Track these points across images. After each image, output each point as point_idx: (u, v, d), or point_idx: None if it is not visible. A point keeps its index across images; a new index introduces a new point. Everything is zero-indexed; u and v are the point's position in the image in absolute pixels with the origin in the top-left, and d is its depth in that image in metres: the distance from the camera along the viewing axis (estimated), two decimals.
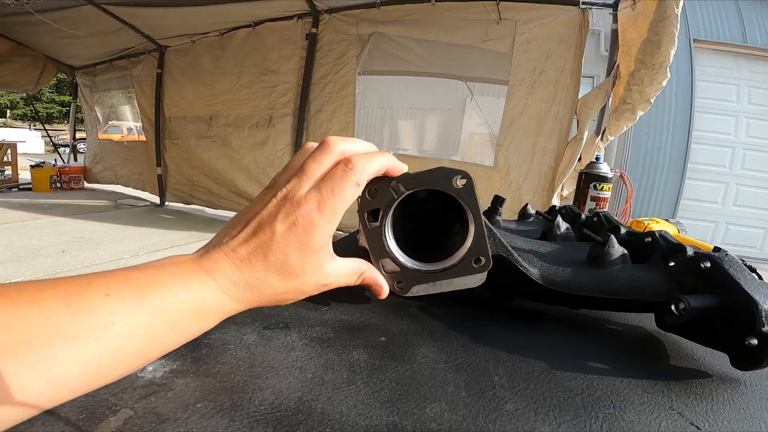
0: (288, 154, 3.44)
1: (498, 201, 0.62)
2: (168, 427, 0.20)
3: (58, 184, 5.14)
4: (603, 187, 0.93)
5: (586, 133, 2.51)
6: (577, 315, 0.43)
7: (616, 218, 0.94)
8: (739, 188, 4.41)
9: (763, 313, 0.30)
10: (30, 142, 11.18)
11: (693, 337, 0.35)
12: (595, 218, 0.60)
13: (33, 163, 5.24)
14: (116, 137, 6.35)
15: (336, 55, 3.16)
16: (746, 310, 0.31)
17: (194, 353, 0.27)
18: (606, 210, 0.98)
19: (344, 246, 0.49)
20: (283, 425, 0.21)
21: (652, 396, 0.28)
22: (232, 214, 4.00)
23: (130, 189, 4.83)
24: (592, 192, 0.93)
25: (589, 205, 0.96)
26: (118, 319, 0.20)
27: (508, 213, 0.70)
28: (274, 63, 3.39)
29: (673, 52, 1.92)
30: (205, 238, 3.97)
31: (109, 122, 6.33)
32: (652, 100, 2.14)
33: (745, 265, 0.75)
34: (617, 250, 0.40)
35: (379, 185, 0.35)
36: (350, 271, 0.29)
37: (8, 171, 5.35)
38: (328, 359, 0.28)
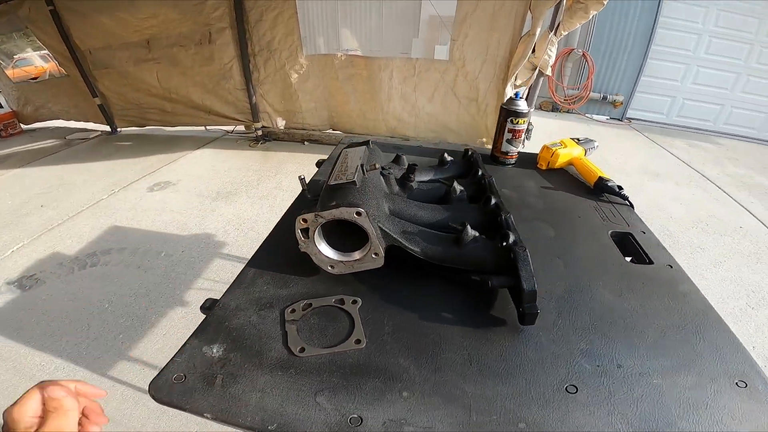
0: (236, 66, 3.31)
1: (410, 169, 0.80)
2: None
3: None
4: (518, 121, 1.09)
5: (539, 29, 2.50)
6: (464, 276, 0.59)
7: (514, 155, 1.13)
8: (699, 69, 4.64)
9: (524, 295, 0.50)
10: None
11: (511, 297, 0.55)
12: (482, 181, 0.81)
13: None
14: (31, 69, 5.57)
15: None
16: (519, 290, 0.50)
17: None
18: (519, 146, 1.16)
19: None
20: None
21: (461, 339, 0.46)
22: (192, 128, 3.95)
23: (72, 122, 4.50)
24: (509, 125, 1.10)
25: (507, 135, 1.12)
26: None
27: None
28: None
29: None
30: (173, 159, 3.56)
31: (15, 56, 5.51)
32: (605, 1, 2.14)
33: (620, 192, 0.99)
34: (470, 234, 0.59)
35: (307, 217, 0.55)
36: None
37: None
38: (275, 316, 0.52)
